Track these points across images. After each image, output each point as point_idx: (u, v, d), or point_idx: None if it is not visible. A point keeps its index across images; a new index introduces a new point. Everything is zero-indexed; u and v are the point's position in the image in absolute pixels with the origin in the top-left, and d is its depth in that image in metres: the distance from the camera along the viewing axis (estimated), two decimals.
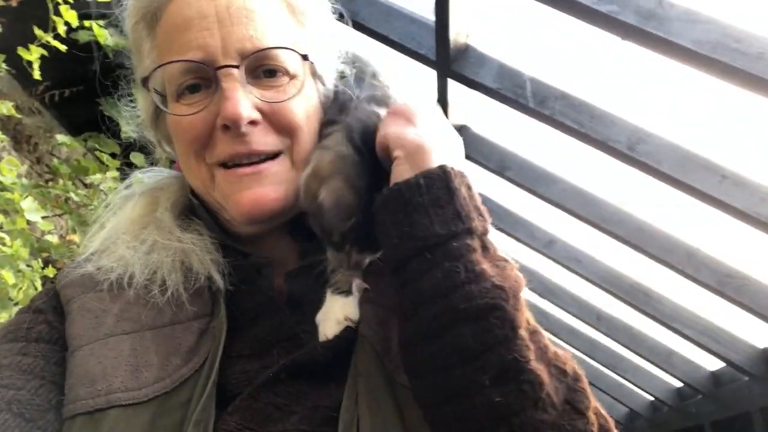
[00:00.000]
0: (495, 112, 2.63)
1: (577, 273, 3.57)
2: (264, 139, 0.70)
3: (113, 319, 0.66)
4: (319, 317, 0.68)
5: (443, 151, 0.61)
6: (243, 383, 0.64)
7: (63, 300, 0.70)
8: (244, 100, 0.67)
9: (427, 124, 0.63)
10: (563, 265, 3.60)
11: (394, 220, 0.56)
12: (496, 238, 0.60)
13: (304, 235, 0.72)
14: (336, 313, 0.67)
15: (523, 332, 0.52)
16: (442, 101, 2.71)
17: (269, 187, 0.70)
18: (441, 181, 0.56)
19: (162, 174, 0.84)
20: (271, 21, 0.70)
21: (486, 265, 0.54)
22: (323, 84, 0.77)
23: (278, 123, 0.70)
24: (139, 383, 0.61)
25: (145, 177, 0.83)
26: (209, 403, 0.60)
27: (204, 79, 0.69)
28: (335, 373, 0.64)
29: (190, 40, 0.67)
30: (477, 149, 3.02)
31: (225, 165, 0.71)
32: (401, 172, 0.59)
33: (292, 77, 0.71)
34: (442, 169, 0.58)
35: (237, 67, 0.67)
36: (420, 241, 0.54)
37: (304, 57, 0.72)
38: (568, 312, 4.22)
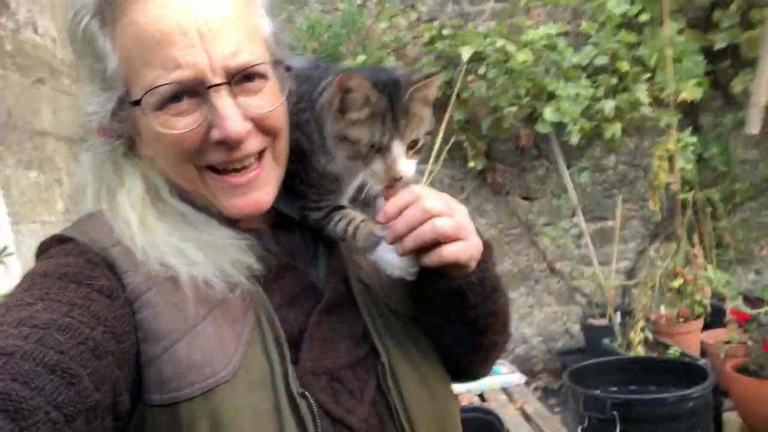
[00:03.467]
0: None
1: None
2: (253, 143, 0.74)
3: (193, 308, 0.70)
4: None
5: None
6: (292, 327, 0.75)
7: (136, 288, 0.70)
8: (239, 118, 0.70)
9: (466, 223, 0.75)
10: None
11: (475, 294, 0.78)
12: None
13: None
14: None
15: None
16: None
17: (261, 191, 0.76)
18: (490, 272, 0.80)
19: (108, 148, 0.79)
20: (244, 29, 0.72)
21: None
22: (285, 70, 0.79)
23: (265, 127, 0.74)
24: (228, 358, 0.69)
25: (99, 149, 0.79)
26: (283, 351, 0.72)
27: (188, 90, 0.70)
28: (348, 304, 0.80)
29: (176, 57, 0.68)
30: None
31: (215, 169, 0.74)
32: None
33: (267, 79, 0.75)
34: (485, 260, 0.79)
35: (226, 83, 0.70)
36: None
37: (275, 63, 0.76)
38: None
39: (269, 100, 0.74)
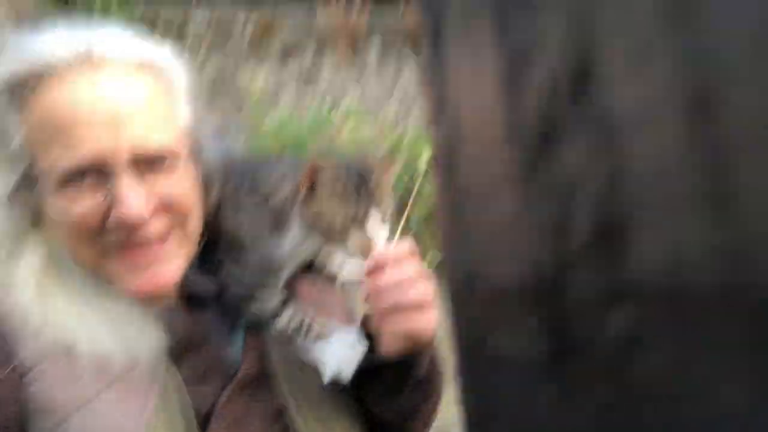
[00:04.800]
0: None
1: None
2: (158, 224, 0.74)
3: (89, 382, 0.69)
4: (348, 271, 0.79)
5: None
6: (200, 405, 0.74)
7: (28, 359, 0.69)
8: (140, 200, 0.71)
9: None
10: None
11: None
12: None
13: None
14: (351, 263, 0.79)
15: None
16: None
17: (164, 266, 0.75)
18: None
19: None
20: (156, 115, 0.75)
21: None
22: (201, 151, 0.82)
23: (172, 209, 0.75)
24: None
25: None
26: (192, 428, 0.71)
27: (91, 170, 0.71)
28: (264, 382, 0.78)
29: (80, 138, 0.69)
30: None
31: (116, 247, 0.74)
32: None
33: (178, 162, 0.76)
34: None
35: (130, 166, 0.71)
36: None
37: (192, 147, 0.78)
38: None
39: (180, 183, 0.75)
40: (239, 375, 0.77)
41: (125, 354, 0.71)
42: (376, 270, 0.71)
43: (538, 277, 0.34)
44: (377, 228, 0.75)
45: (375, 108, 4.33)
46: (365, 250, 0.74)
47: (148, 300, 0.77)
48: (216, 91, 4.00)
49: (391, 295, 0.70)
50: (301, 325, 0.78)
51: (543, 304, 0.33)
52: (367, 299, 0.73)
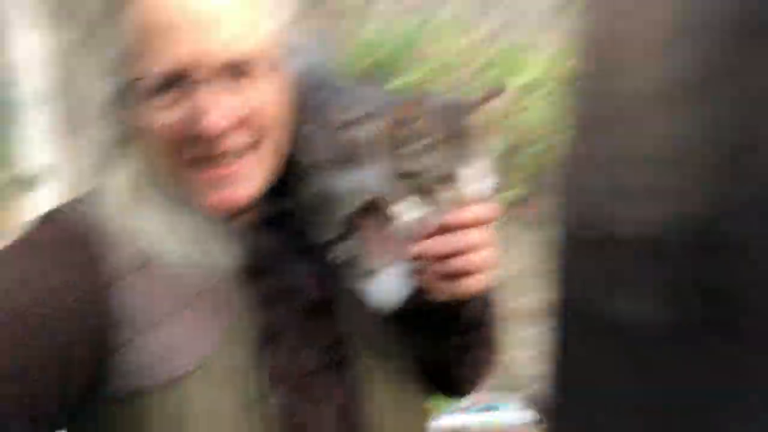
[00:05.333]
0: None
1: None
2: (237, 139, 0.73)
3: (171, 295, 0.71)
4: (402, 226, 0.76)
5: None
6: (265, 328, 0.74)
7: (114, 271, 0.71)
8: (220, 112, 0.70)
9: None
10: None
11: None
12: None
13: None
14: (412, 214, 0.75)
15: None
16: None
17: (241, 185, 0.74)
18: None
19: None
20: (240, 21, 0.72)
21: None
22: (286, 67, 0.79)
23: (252, 123, 0.73)
24: (200, 349, 0.70)
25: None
26: (254, 350, 0.72)
27: (174, 82, 0.71)
28: (326, 308, 0.78)
29: (163, 47, 0.69)
30: None
31: (198, 162, 0.74)
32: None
33: (262, 73, 0.74)
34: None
35: (212, 77, 0.70)
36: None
37: (273, 57, 0.75)
38: None
39: (261, 96, 0.74)
40: (301, 301, 0.78)
41: (204, 269, 0.73)
42: (440, 231, 0.69)
43: (694, 221, 0.26)
44: (469, 183, 0.71)
45: (471, 21, 4.11)
46: (451, 206, 0.70)
47: (225, 217, 0.77)
48: (309, 2, 3.93)
49: (447, 261, 0.69)
50: (353, 259, 0.78)
51: (697, 257, 0.26)
52: (422, 258, 0.71)
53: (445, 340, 0.80)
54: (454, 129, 0.71)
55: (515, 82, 3.51)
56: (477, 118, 0.73)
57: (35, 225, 0.75)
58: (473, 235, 0.69)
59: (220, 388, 0.69)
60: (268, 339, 0.74)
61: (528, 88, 3.60)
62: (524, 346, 4.40)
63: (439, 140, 0.71)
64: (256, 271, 0.77)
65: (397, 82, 3.82)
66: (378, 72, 3.85)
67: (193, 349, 0.69)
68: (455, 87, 3.86)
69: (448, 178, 0.71)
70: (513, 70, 3.64)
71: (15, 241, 0.73)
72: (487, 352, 0.87)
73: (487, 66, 3.80)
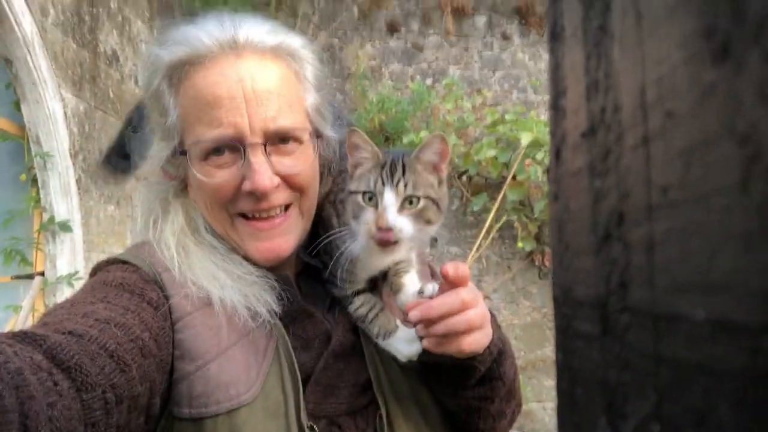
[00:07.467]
0: None
1: None
2: (280, 196, 0.83)
3: (226, 333, 0.78)
4: (401, 298, 0.82)
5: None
6: (303, 369, 0.80)
7: (178, 309, 0.78)
8: (268, 173, 0.80)
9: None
10: None
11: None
12: None
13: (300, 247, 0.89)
14: (411, 287, 0.82)
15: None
16: None
17: (282, 238, 0.84)
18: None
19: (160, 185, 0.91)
20: (286, 98, 0.83)
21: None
22: (323, 138, 0.89)
23: (292, 184, 0.84)
24: (251, 382, 0.76)
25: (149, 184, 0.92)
26: (297, 386, 0.78)
27: (229, 146, 0.80)
28: (355, 352, 0.85)
29: (221, 117, 0.79)
30: None
31: (246, 216, 0.84)
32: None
33: (301, 143, 0.85)
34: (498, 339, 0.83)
35: (263, 144, 0.80)
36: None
37: (312, 130, 0.85)
38: None
39: (300, 162, 0.83)
40: (333, 345, 0.84)
41: (251, 312, 0.80)
42: (426, 303, 0.75)
43: None
44: (390, 205, 0.78)
45: (477, 84, 4.30)
46: (376, 228, 0.77)
47: (266, 267, 0.85)
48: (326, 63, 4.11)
49: (440, 325, 0.74)
50: (366, 315, 0.85)
51: None
52: (418, 325, 0.76)
53: (463, 391, 0.84)
54: (392, 160, 0.79)
55: (525, 139, 3.64)
56: (423, 155, 0.80)
57: (106, 268, 0.82)
58: (454, 299, 0.73)
59: (268, 420, 0.75)
60: (307, 377, 0.81)
61: (538, 145, 3.72)
62: (546, 397, 4.36)
63: (373, 165, 0.79)
64: (296, 316, 0.85)
65: (406, 140, 3.97)
66: (389, 129, 3.99)
67: (246, 383, 0.76)
68: (467, 143, 3.99)
69: (371, 199, 0.79)
70: (523, 127, 3.77)
71: (93, 280, 0.79)
72: (509, 403, 0.90)
73: (496, 123, 3.94)
